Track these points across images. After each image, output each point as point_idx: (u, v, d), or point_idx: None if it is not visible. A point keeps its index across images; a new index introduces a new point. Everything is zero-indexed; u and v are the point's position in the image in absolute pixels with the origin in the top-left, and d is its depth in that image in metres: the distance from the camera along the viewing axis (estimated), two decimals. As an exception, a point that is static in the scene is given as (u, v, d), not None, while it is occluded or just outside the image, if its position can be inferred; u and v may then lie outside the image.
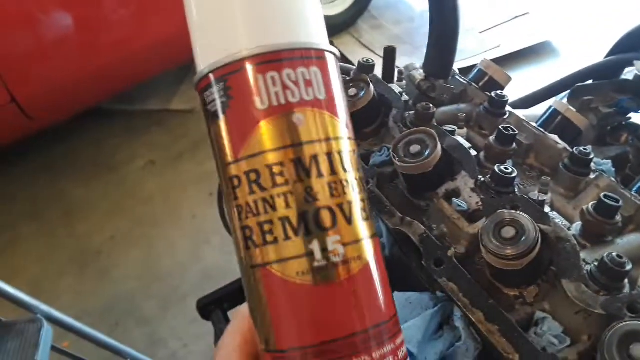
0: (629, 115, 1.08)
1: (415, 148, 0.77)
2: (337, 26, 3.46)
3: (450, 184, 0.78)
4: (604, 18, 3.53)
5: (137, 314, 2.32)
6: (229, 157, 0.39)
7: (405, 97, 0.92)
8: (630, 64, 1.08)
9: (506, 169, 0.74)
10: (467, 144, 0.81)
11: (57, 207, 2.79)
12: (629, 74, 1.15)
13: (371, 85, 0.88)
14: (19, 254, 2.61)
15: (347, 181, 0.39)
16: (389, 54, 0.94)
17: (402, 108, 0.89)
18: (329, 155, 0.38)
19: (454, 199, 0.75)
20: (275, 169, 0.37)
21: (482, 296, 0.66)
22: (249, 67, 0.37)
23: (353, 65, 1.05)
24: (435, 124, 0.85)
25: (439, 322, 0.70)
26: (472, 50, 3.18)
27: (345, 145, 0.40)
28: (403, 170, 0.77)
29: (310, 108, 0.38)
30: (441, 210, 0.76)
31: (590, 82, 1.13)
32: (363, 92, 0.88)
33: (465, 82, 1.00)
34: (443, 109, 0.95)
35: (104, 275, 2.50)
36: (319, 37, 0.41)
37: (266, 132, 0.37)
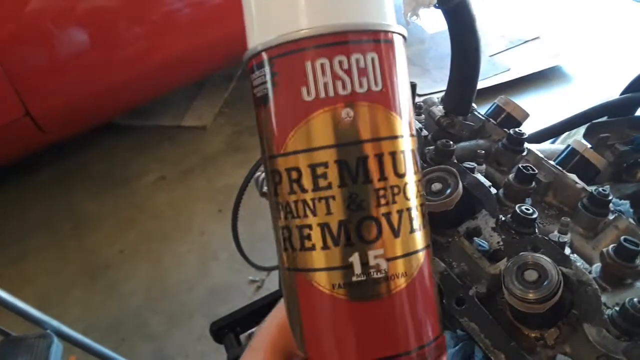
0: (644, 153, 1.09)
1: (436, 186, 0.78)
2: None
3: (472, 223, 0.79)
4: (615, 44, 3.56)
5: (144, 330, 2.32)
6: (271, 150, 0.35)
7: (424, 132, 0.94)
8: (646, 102, 1.10)
9: (527, 209, 0.76)
10: (487, 182, 0.83)
11: (68, 220, 2.81)
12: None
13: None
14: (29, 264, 2.63)
15: (399, 187, 0.34)
16: (411, 90, 0.96)
17: (421, 144, 0.90)
18: (380, 157, 0.34)
19: (475, 239, 0.76)
20: (318, 170, 0.33)
21: (503, 338, 0.67)
22: (295, 52, 0.33)
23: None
24: (455, 161, 0.87)
25: (460, 361, 0.70)
26: (482, 73, 3.19)
27: (402, 145, 0.35)
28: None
29: (362, 102, 0.33)
30: (462, 248, 0.77)
31: (605, 119, 1.14)
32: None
33: (483, 118, 1.02)
34: (462, 144, 0.96)
35: (112, 289, 2.50)
36: (378, 15, 0.35)
37: (310, 128, 0.33)
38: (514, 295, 0.66)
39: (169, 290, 2.46)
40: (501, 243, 0.76)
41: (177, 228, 2.71)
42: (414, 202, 0.35)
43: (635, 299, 0.65)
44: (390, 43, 0.35)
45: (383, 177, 0.34)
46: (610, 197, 0.83)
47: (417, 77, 3.14)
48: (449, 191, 0.78)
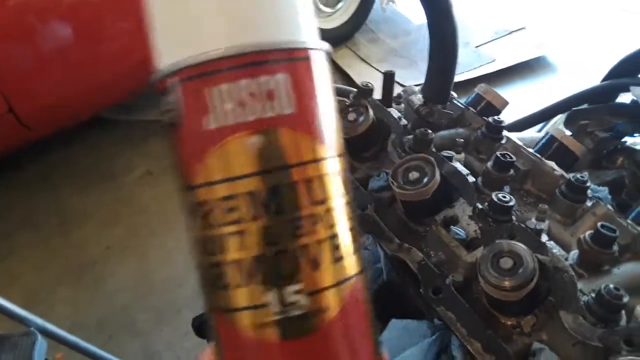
0: (624, 139, 1.09)
1: (414, 175, 0.78)
2: (334, 40, 3.48)
3: (449, 211, 0.79)
4: (600, 34, 3.57)
5: (132, 326, 2.31)
6: (182, 181, 0.33)
7: (403, 122, 0.93)
8: (626, 89, 1.09)
9: (504, 197, 0.75)
10: (465, 171, 0.82)
11: (54, 216, 2.78)
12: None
13: (370, 110, 0.89)
14: (15, 262, 2.60)
15: (319, 215, 0.31)
16: (388, 79, 0.95)
17: (400, 133, 0.90)
18: (293, 185, 0.31)
19: (452, 228, 0.75)
20: (229, 203, 0.30)
21: (480, 326, 0.67)
22: (197, 77, 0.30)
23: (351, 87, 1.06)
24: (434, 150, 0.86)
25: (436, 351, 0.70)
26: (467, 64, 3.20)
27: (322, 169, 0.32)
28: (401, 197, 0.78)
29: (272, 127, 0.30)
30: (439, 237, 0.77)
31: (586, 106, 1.14)
32: (362, 117, 0.89)
33: (462, 106, 1.01)
34: (441, 133, 0.96)
35: (99, 285, 2.48)
36: (289, 32, 0.31)
37: (219, 158, 0.30)
38: (489, 283, 0.65)
39: (157, 286, 2.44)
40: (478, 231, 0.75)
41: (164, 223, 2.69)
42: (341, 228, 0.32)
43: (611, 285, 0.64)
44: (306, 61, 0.31)
45: (299, 206, 0.31)
46: (588, 184, 0.83)
47: (404, 69, 3.13)
48: (426, 180, 0.77)
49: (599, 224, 0.73)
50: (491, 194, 0.77)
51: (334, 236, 0.32)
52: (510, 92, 3.36)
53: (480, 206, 0.77)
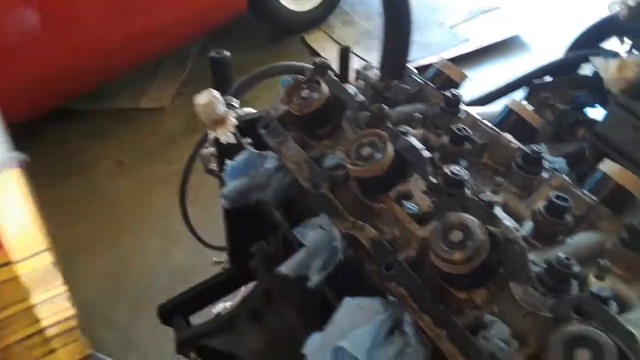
0: (585, 111, 1.09)
1: (367, 151, 0.76)
2: (308, 22, 3.43)
3: (403, 186, 0.77)
4: (575, 12, 3.57)
5: (108, 318, 2.27)
6: None
7: (360, 98, 0.91)
8: (586, 60, 1.09)
9: (456, 170, 0.74)
10: (420, 145, 0.80)
11: (23, 210, 2.72)
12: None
13: (325, 86, 0.87)
14: (-18, 259, 2.55)
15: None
16: (344, 54, 0.93)
17: (356, 108, 0.88)
18: None
19: (405, 203, 0.74)
20: None
21: (431, 301, 0.66)
22: None
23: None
24: (390, 125, 0.84)
25: (389, 328, 0.69)
26: (441, 44, 3.18)
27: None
28: (355, 173, 0.76)
29: None
30: (393, 213, 0.75)
31: (547, 78, 1.13)
32: (316, 94, 0.86)
33: (421, 81, 0.99)
34: (399, 109, 0.94)
35: (73, 279, 2.44)
36: None
37: None
38: (439, 257, 0.64)
39: (132, 276, 2.41)
40: (432, 206, 0.74)
41: (137, 213, 2.65)
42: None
43: (562, 255, 0.64)
44: None
45: None
46: (543, 155, 0.82)
47: (378, 51, 3.09)
48: (379, 155, 0.75)
49: (552, 194, 0.72)
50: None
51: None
52: (484, 72, 3.35)
53: (433, 180, 0.75)
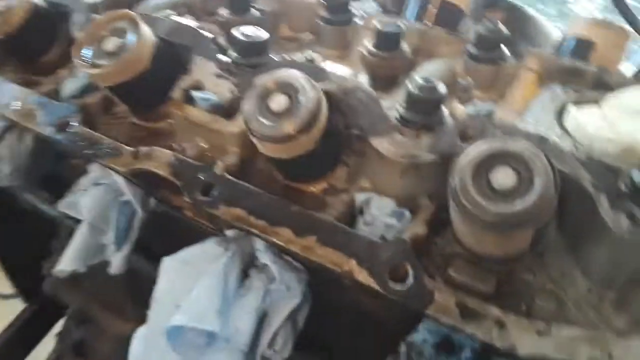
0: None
1: (112, 43, 0.50)
2: None
3: (186, 79, 0.53)
4: None
5: None
6: None
7: (87, 0, 0.63)
8: None
9: (249, 31, 0.52)
10: (193, 23, 0.57)
11: None
12: None
13: None
14: None
15: None
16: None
17: (85, 10, 0.60)
18: None
19: (196, 94, 0.51)
20: None
21: (281, 208, 0.44)
22: None
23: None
24: (147, 14, 0.59)
25: (239, 270, 0.46)
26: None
27: None
28: (104, 79, 0.50)
29: None
30: (186, 118, 0.51)
31: None
32: (11, 2, 0.56)
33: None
34: (153, 2, 0.68)
35: None
36: None
37: None
38: (267, 139, 0.43)
39: None
40: (235, 89, 0.51)
41: None
42: None
43: (419, 79, 0.46)
44: None
45: None
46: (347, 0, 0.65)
47: None
48: (131, 41, 0.50)
49: (378, 25, 0.56)
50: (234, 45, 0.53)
51: None
52: None
53: (225, 58, 0.53)
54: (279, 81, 0.44)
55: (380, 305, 0.45)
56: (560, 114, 0.52)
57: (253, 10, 0.64)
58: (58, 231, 0.80)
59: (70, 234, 0.81)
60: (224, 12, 0.63)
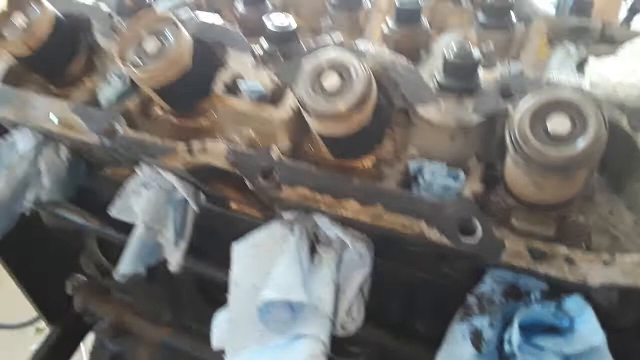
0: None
1: (152, 45, 0.51)
2: None
3: (226, 73, 0.54)
4: None
5: None
6: None
7: (105, 9, 0.64)
8: None
9: (279, 22, 0.54)
10: (220, 20, 0.59)
11: None
12: None
13: (46, 3, 0.58)
14: None
15: None
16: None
17: (106, 18, 0.61)
18: None
19: (243, 83, 0.52)
20: None
21: (343, 182, 0.47)
22: None
23: None
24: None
25: (308, 247, 0.48)
26: None
27: None
28: (146, 83, 0.51)
29: None
30: (232, 109, 0.53)
31: None
32: (37, 16, 0.57)
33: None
34: (161, 3, 0.69)
35: None
36: None
37: None
38: (326, 117, 0.45)
39: None
40: (274, 77, 0.53)
41: None
42: None
43: (453, 45, 0.49)
44: None
45: None
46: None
47: None
48: (171, 43, 0.51)
49: (396, 3, 0.58)
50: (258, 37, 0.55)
51: None
52: None
53: (260, 49, 0.55)
54: (332, 60, 0.46)
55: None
56: (579, 68, 0.56)
57: (267, 2, 0.66)
58: (86, 247, 0.80)
59: (99, 246, 0.82)
60: (239, 6, 0.64)
